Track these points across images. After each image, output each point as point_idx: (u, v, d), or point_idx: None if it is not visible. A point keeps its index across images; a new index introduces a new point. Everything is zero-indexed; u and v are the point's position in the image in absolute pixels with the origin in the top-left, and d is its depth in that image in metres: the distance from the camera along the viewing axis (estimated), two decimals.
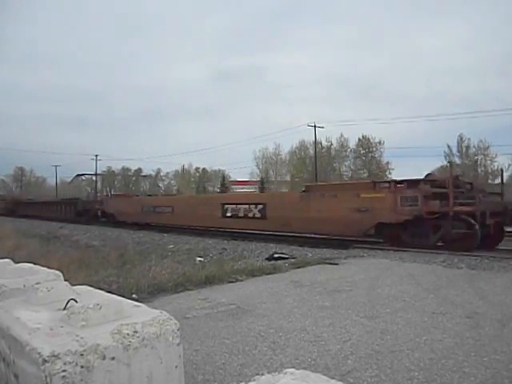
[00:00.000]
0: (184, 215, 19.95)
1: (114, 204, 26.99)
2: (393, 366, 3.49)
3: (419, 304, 5.45)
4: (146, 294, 6.33)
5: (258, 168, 68.21)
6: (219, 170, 75.17)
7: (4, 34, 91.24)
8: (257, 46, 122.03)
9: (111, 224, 26.61)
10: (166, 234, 19.24)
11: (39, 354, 1.48)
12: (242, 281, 7.33)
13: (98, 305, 1.75)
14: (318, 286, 6.63)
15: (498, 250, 10.42)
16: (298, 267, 8.69)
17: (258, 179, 65.70)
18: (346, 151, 60.43)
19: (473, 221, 10.59)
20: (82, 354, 1.51)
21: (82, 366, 1.50)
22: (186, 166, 79.84)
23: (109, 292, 2.32)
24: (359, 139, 58.70)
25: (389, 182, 13.51)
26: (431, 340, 4.10)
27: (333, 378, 1.27)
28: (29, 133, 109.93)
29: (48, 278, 2.51)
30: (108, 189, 79.97)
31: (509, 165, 52.48)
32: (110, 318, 1.74)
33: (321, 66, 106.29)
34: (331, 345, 4.02)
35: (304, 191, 15.29)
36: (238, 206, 17.02)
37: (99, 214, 28.00)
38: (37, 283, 2.30)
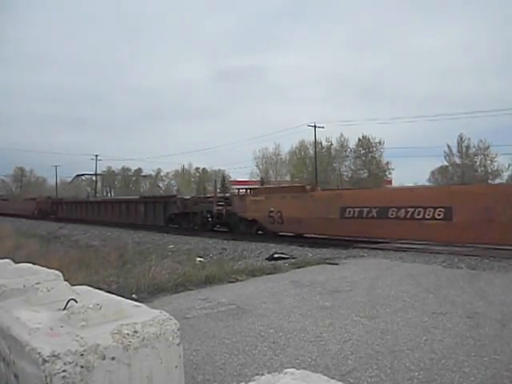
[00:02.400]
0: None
1: (262, 203, 15.42)
2: (393, 366, 3.49)
3: (419, 304, 5.44)
4: (146, 293, 6.33)
5: (258, 168, 68.35)
6: (219, 170, 75.26)
7: (4, 35, 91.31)
8: (257, 47, 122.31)
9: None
10: (166, 234, 19.24)
11: (39, 354, 1.48)
12: (242, 281, 7.32)
13: (97, 305, 1.75)
14: (318, 286, 6.63)
15: (498, 250, 10.40)
16: (298, 267, 8.68)
17: (258, 179, 65.71)
18: (345, 151, 60.47)
19: None
20: (82, 354, 1.50)
21: (82, 366, 1.49)
22: (186, 166, 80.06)
23: (109, 292, 2.33)
24: (359, 139, 58.77)
25: None
26: (431, 340, 4.10)
27: (333, 378, 1.27)
28: (29, 133, 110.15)
29: (48, 278, 2.51)
30: (108, 189, 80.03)
31: (509, 165, 52.55)
32: (110, 317, 1.74)
33: (321, 66, 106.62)
34: (331, 345, 4.02)
35: None
36: None
37: (210, 219, 18.20)
38: (37, 283, 2.29)
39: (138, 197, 28.51)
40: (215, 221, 18.17)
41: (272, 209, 15.01)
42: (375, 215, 12.08)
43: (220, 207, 17.75)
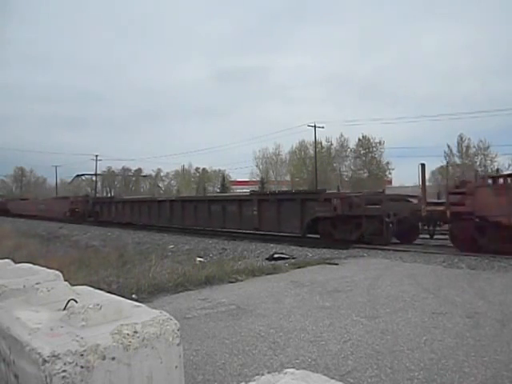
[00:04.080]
0: None
1: None
2: (393, 366, 3.49)
3: (419, 304, 5.44)
4: (146, 294, 6.33)
5: (258, 168, 68.32)
6: (219, 170, 75.27)
7: (4, 35, 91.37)
8: (258, 47, 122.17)
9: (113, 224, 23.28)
10: (166, 234, 19.23)
11: (39, 354, 1.48)
12: (242, 281, 7.33)
13: (97, 305, 1.75)
14: (317, 286, 6.63)
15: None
16: (298, 267, 8.69)
17: (258, 179, 65.73)
18: (345, 151, 60.51)
19: None
20: (82, 354, 1.50)
21: (82, 366, 1.49)
22: (186, 166, 79.89)
23: (109, 292, 2.32)
24: (359, 139, 58.81)
25: None
26: (431, 340, 4.10)
27: (333, 378, 1.27)
28: (29, 133, 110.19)
29: (48, 278, 2.50)
30: (108, 189, 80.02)
31: (509, 165, 52.56)
32: (110, 318, 1.74)
33: (322, 67, 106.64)
34: (331, 345, 4.02)
35: None
36: None
37: (391, 225, 12.17)
38: (37, 283, 2.29)
39: (247, 193, 20.92)
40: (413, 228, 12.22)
41: None
42: None
43: (438, 207, 11.41)
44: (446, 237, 11.60)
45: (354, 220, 12.73)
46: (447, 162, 51.35)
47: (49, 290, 2.06)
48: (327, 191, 15.42)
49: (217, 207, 18.14)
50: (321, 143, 57.98)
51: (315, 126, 49.07)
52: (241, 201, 17.17)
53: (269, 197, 16.51)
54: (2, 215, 42.14)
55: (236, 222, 16.71)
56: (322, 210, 13.38)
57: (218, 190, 67.72)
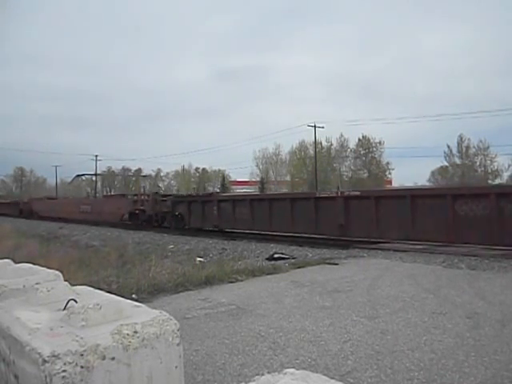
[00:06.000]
0: None
1: None
2: (393, 367, 3.49)
3: (419, 304, 5.44)
4: (146, 294, 6.33)
5: (258, 168, 68.36)
6: (219, 170, 75.28)
7: (4, 35, 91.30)
8: (258, 46, 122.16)
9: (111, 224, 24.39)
10: (166, 234, 19.22)
11: (39, 354, 1.48)
12: (242, 281, 7.32)
13: (97, 305, 1.75)
14: (317, 286, 6.63)
15: (498, 250, 10.39)
16: (298, 267, 8.68)
17: (258, 179, 65.75)
18: (346, 151, 60.54)
19: None
20: (81, 354, 1.50)
21: (81, 366, 1.49)
22: (186, 166, 79.90)
23: (109, 292, 2.32)
24: (359, 139, 58.90)
25: None
26: (431, 340, 4.10)
27: (332, 378, 1.27)
28: (29, 133, 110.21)
29: (48, 278, 2.50)
30: (108, 189, 79.98)
31: (509, 165, 52.62)
32: (110, 318, 1.74)
33: (322, 66, 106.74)
34: (331, 345, 4.02)
35: None
36: None
37: None
38: (37, 283, 2.29)
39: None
40: None
41: None
42: None
43: None
44: None
45: None
46: (449, 163, 51.41)
47: (49, 290, 2.06)
48: None
49: (426, 205, 10.78)
50: (321, 143, 58.07)
51: (315, 126, 49.11)
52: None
53: None
54: (23, 217, 36.45)
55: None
56: None
57: (218, 190, 67.67)
